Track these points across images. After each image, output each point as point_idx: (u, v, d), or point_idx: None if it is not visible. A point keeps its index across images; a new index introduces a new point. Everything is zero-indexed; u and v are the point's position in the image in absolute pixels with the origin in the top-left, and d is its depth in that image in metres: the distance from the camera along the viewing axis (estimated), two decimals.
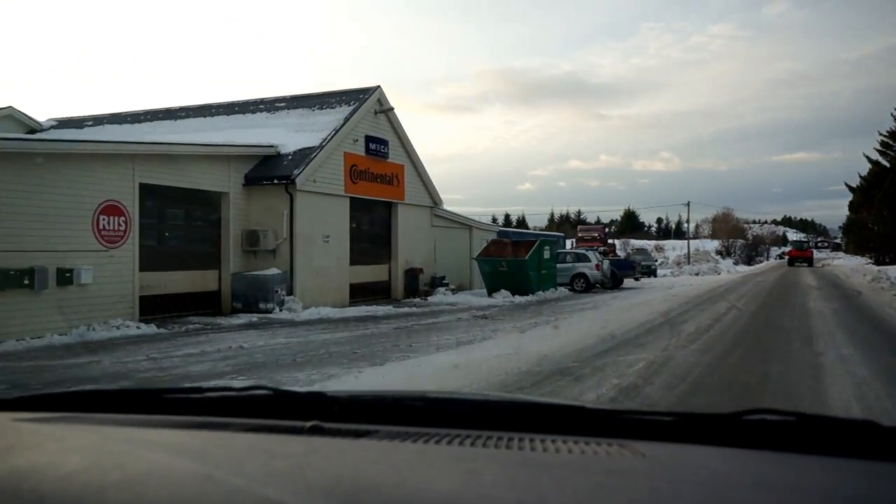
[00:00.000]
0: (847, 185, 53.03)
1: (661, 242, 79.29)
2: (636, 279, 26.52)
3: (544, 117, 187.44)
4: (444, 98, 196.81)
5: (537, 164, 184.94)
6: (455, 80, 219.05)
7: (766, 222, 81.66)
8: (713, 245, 68.60)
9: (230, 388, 1.22)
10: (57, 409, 1.15)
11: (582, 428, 0.99)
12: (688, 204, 52.13)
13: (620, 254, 35.65)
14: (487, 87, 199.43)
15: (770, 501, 0.71)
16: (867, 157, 50.01)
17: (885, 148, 49.00)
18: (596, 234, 30.29)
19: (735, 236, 71.68)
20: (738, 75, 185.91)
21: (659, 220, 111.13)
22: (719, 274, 36.38)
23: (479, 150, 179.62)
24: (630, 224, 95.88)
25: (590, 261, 22.87)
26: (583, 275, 22.15)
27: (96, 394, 1.24)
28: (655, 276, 32.66)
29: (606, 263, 23.53)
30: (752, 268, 44.26)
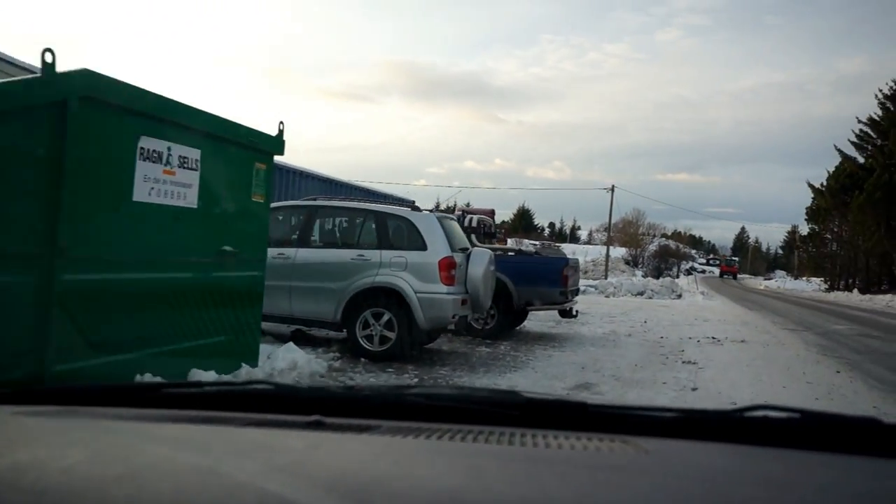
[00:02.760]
0: (809, 184, 40.70)
1: (559, 246, 68.80)
2: (566, 311, 9.19)
3: (443, 115, 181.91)
4: (341, 84, 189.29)
5: (433, 161, 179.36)
6: (353, 68, 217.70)
7: (654, 235, 75.08)
8: (621, 253, 59.52)
9: (231, 384, 1.39)
10: (58, 402, 1.13)
11: (585, 424, 0.98)
12: (612, 188, 37.79)
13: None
14: (387, 79, 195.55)
15: (772, 498, 0.71)
16: (839, 151, 37.34)
17: (861, 140, 36.28)
18: (483, 220, 14.65)
19: (639, 245, 66.04)
20: (628, 94, 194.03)
21: (552, 224, 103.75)
22: (680, 297, 21.70)
23: (376, 143, 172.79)
24: (523, 223, 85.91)
25: (423, 246, 6.62)
26: (400, 302, 6.57)
27: (97, 388, 1.24)
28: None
29: (483, 267, 7.02)
30: (707, 289, 31.11)
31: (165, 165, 4.27)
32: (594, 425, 0.97)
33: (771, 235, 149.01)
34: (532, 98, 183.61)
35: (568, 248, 59.56)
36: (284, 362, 5.56)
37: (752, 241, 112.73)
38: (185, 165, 4.45)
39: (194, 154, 4.52)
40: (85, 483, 0.68)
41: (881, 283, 35.74)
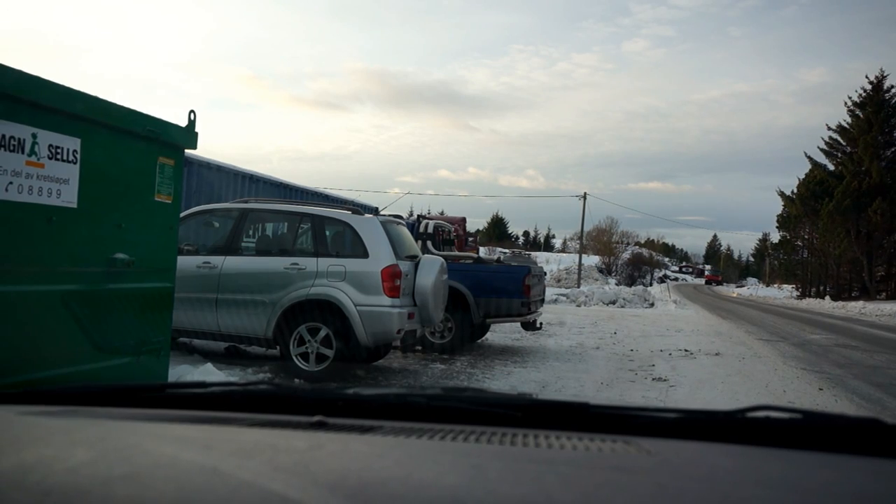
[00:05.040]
0: (780, 192, 40.89)
1: (531, 254, 69.57)
2: (530, 323, 8.57)
3: (416, 124, 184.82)
4: (314, 93, 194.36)
5: (407, 170, 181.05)
6: (326, 77, 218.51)
7: (628, 244, 76.01)
8: (594, 261, 59.57)
9: (234, 384, 1.35)
10: (62, 402, 1.15)
11: (587, 425, 1.00)
12: (584, 196, 37.26)
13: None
14: (360, 87, 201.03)
15: (774, 498, 0.71)
16: (809, 158, 37.66)
17: (831, 147, 36.56)
18: (441, 225, 13.54)
19: (612, 253, 66.12)
20: (599, 104, 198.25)
21: (526, 233, 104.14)
22: (653, 305, 21.29)
23: (349, 152, 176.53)
24: (497, 231, 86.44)
25: (364, 254, 6.00)
26: (338, 316, 5.96)
27: (101, 388, 1.26)
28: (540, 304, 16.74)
29: (433, 276, 6.40)
30: (679, 296, 30.89)
31: (29, 156, 3.54)
32: (596, 426, 0.99)
33: (742, 243, 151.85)
34: (504, 107, 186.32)
35: (542, 257, 60.90)
36: None
37: (723, 248, 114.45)
38: (59, 157, 3.72)
39: (71, 144, 3.78)
40: (89, 482, 0.69)
41: (852, 289, 35.92)
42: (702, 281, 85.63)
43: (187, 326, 6.02)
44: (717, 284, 69.73)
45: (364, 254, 5.95)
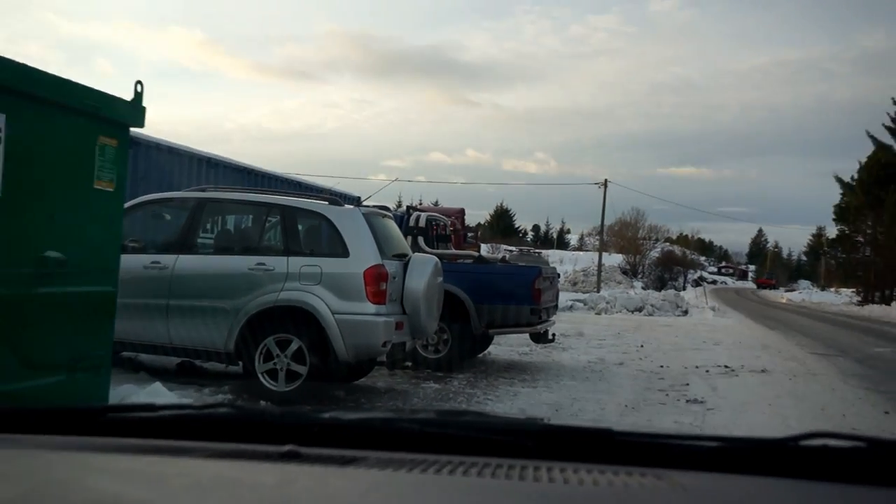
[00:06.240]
0: (837, 178, 41.04)
1: (541, 253, 70.32)
2: (540, 334, 8.47)
3: (404, 98, 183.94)
4: (282, 60, 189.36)
5: (394, 153, 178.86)
6: (297, 41, 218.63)
7: (657, 240, 76.65)
8: (616, 261, 61.33)
9: (188, 407, 1.34)
10: None
11: (610, 455, 1.01)
12: (604, 183, 37.37)
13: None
14: (337, 53, 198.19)
15: None
16: (871, 137, 37.82)
17: None
18: (435, 218, 13.17)
19: (638, 251, 67.59)
20: (620, 75, 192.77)
21: (536, 228, 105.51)
22: (686, 313, 21.47)
23: (325, 131, 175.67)
24: (502, 225, 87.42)
25: (344, 252, 6.11)
26: (313, 326, 6.07)
27: (29, 412, 1.26)
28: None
29: (425, 279, 6.43)
30: (719, 304, 31.05)
31: None
32: (621, 456, 1.00)
33: (792, 239, 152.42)
34: (509, 78, 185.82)
35: (555, 255, 61.19)
36: None
37: (770, 245, 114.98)
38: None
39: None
40: None
41: None
42: (745, 283, 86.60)
43: (132, 338, 6.01)
44: (772, 289, 72.84)
45: (343, 252, 5.98)
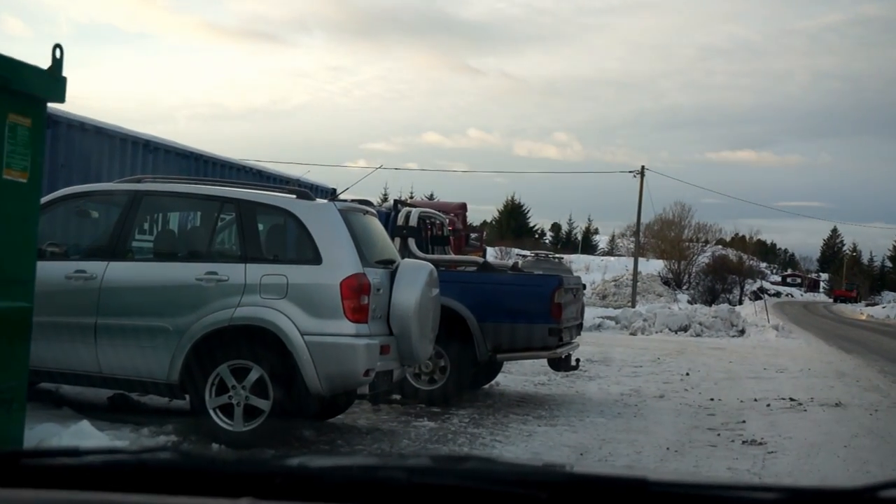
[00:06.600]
0: None
1: (562, 258, 71.21)
2: (561, 360, 8.76)
3: (390, 64, 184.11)
4: (238, 18, 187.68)
5: (378, 134, 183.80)
6: None
7: (706, 242, 77.77)
8: (656, 268, 62.90)
9: (122, 451, 1.46)
10: None
11: None
12: (641, 171, 37.81)
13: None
14: (306, 8, 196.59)
15: None
16: None
17: None
18: (429, 215, 13.51)
19: (683, 256, 68.28)
20: (661, 35, 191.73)
21: (555, 227, 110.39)
22: (743, 333, 21.89)
23: (292, 106, 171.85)
24: (513, 224, 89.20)
25: (316, 258, 6.45)
26: (277, 350, 6.42)
27: None
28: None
29: (418, 291, 6.58)
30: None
31: None
32: None
33: (874, 241, 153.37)
34: (521, 40, 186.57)
35: (579, 262, 61.86)
36: None
37: (847, 248, 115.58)
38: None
39: None
40: None
41: None
42: (815, 296, 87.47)
43: (52, 366, 6.16)
44: (852, 302, 75.45)
45: (315, 258, 6.15)
